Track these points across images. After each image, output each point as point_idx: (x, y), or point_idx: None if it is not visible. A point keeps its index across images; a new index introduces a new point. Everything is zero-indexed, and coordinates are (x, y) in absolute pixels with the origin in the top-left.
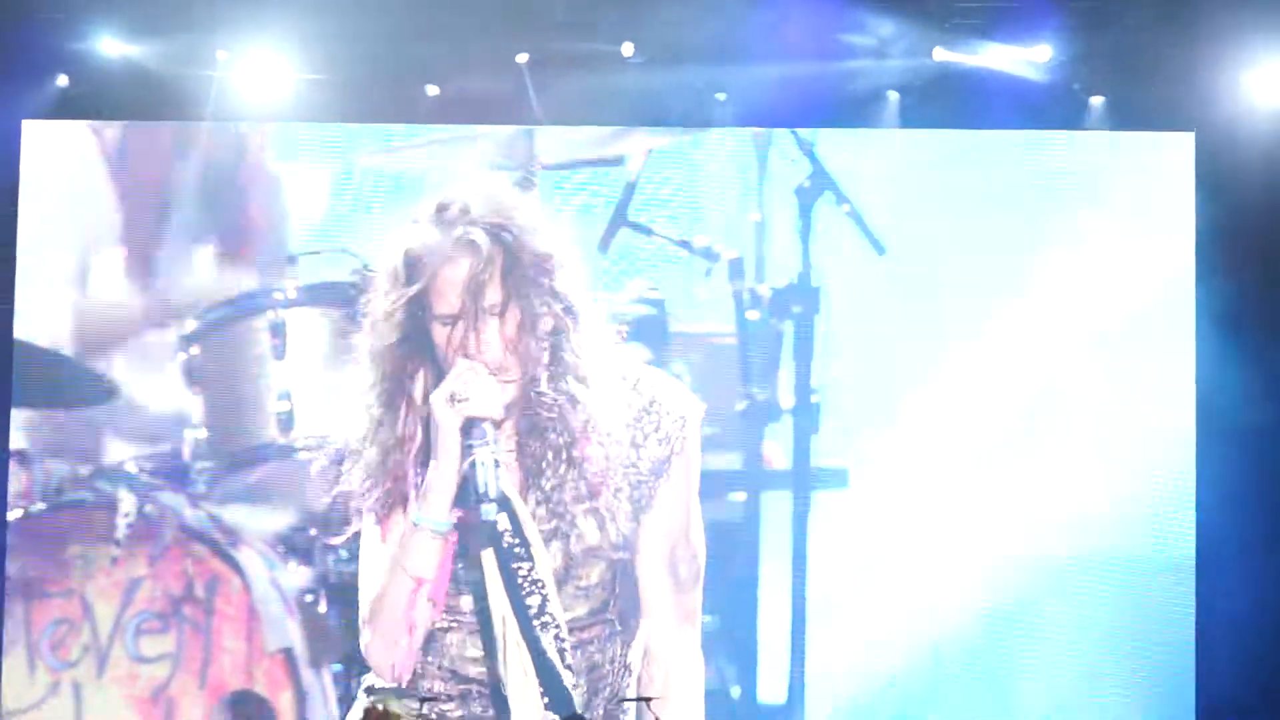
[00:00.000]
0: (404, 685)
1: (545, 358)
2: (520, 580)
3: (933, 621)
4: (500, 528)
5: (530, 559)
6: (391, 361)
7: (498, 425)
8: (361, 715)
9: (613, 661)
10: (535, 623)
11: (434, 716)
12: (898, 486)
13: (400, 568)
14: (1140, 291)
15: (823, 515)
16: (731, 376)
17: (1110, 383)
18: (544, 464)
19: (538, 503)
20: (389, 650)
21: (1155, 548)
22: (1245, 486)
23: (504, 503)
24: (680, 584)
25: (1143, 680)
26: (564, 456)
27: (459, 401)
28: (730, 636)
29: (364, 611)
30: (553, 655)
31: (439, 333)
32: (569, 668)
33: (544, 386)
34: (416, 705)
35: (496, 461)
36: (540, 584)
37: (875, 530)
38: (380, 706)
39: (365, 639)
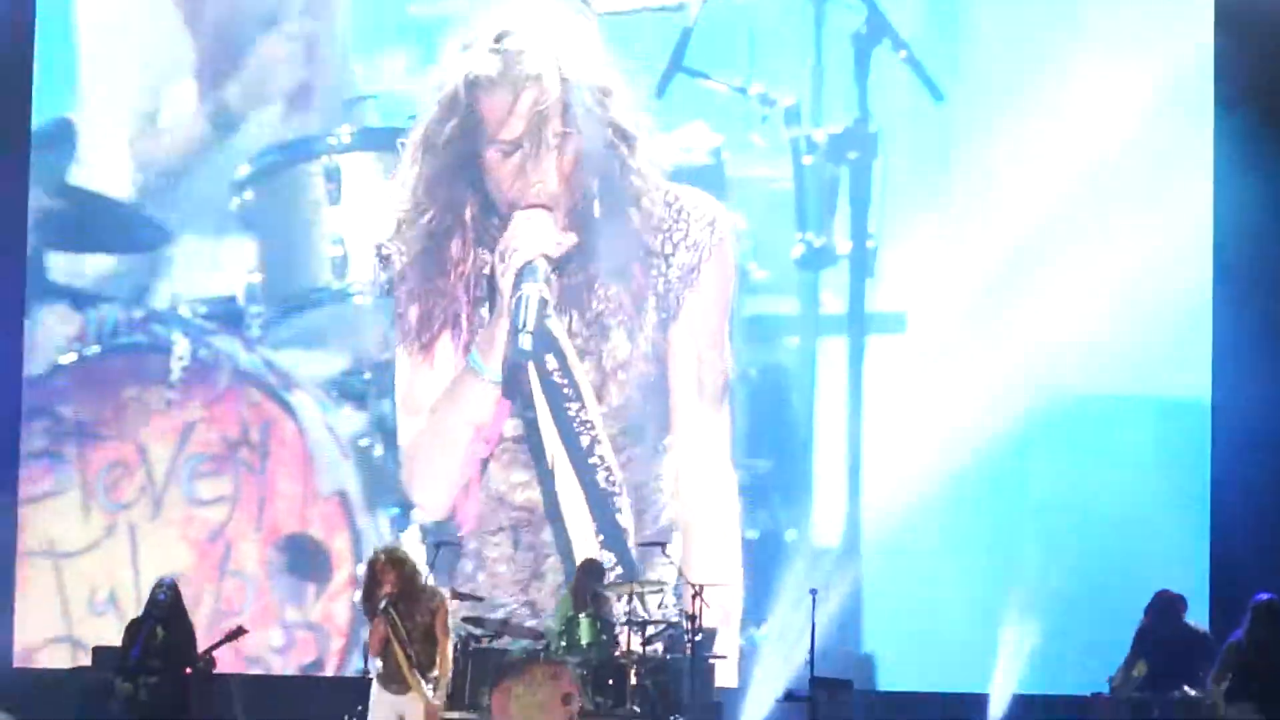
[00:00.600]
0: (461, 524)
1: (595, 186)
2: (570, 419)
3: (975, 454)
4: (549, 367)
5: (580, 399)
6: (445, 187)
7: (551, 261)
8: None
9: (656, 478)
10: (587, 461)
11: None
12: (953, 329)
13: (454, 411)
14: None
15: (878, 359)
16: (788, 222)
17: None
18: (594, 285)
19: (578, 328)
20: (441, 489)
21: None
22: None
23: (550, 341)
24: (705, 397)
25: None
26: (608, 279)
27: (510, 255)
28: (785, 481)
29: (406, 446)
30: (603, 489)
31: (493, 159)
32: (619, 509)
33: (596, 213)
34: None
35: (543, 300)
36: (590, 425)
37: (931, 373)
38: (384, 556)
39: (407, 475)
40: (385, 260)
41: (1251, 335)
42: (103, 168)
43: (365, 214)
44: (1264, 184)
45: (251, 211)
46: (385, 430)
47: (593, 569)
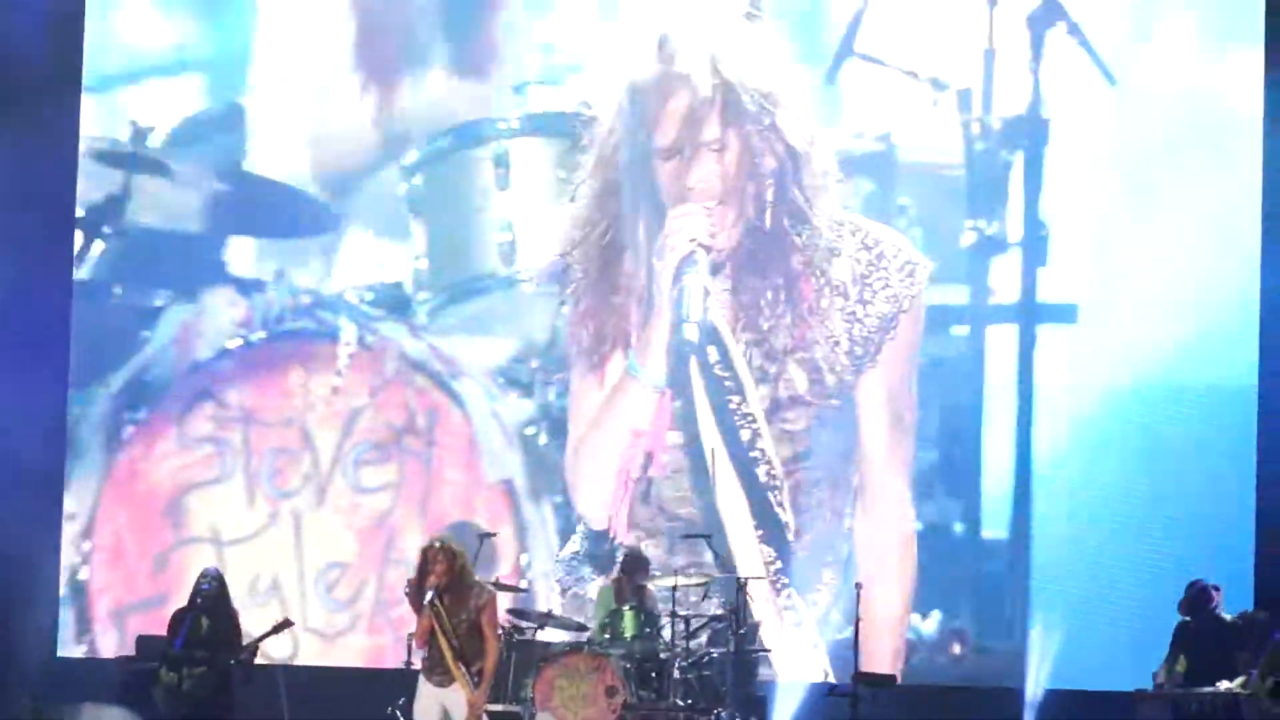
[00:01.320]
0: (615, 532)
1: (768, 195)
2: (731, 412)
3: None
4: (711, 359)
5: (741, 393)
6: (615, 199)
7: (711, 253)
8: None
9: (819, 505)
10: (748, 455)
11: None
12: (1127, 320)
13: (613, 418)
14: None
15: (1049, 349)
16: (958, 209)
17: None
18: (761, 302)
19: (751, 344)
20: (600, 497)
21: None
22: None
23: (713, 334)
24: (901, 431)
25: None
26: (781, 297)
27: (666, 251)
28: (952, 472)
29: (571, 460)
30: (764, 482)
31: (659, 167)
32: (780, 504)
33: (767, 223)
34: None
35: (706, 290)
36: (751, 418)
37: (1103, 365)
38: (438, 544)
39: (571, 487)
40: (565, 271)
41: None
42: (274, 153)
43: (534, 200)
44: None
45: (420, 197)
46: (551, 418)
47: (635, 561)
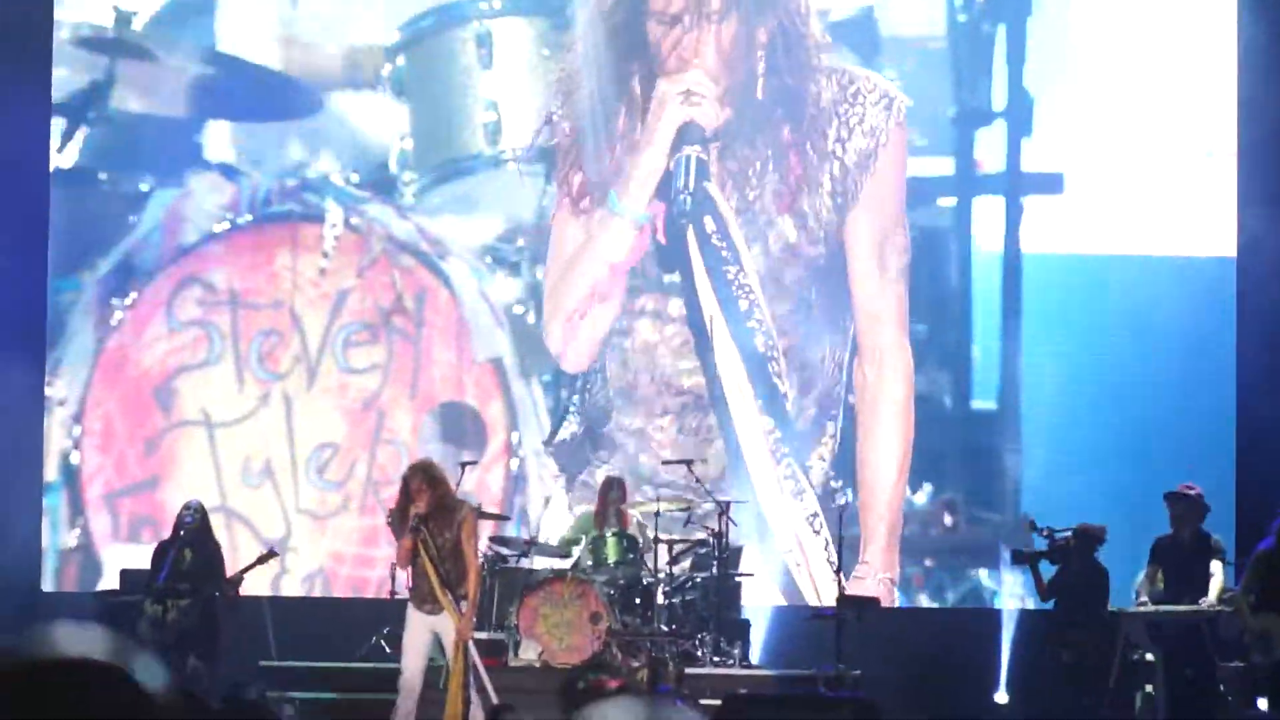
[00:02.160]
0: (581, 371)
1: (760, 67)
2: (729, 282)
3: (1132, 315)
4: (707, 229)
5: (738, 262)
6: (609, 59)
7: (708, 135)
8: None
9: (822, 361)
10: (746, 324)
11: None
12: (1112, 189)
13: (591, 253)
14: None
15: (1035, 219)
16: (943, 81)
17: None
18: (750, 172)
19: (739, 211)
20: (567, 337)
21: None
22: None
23: (708, 203)
24: (889, 276)
25: None
26: (770, 167)
27: (693, 100)
28: (941, 343)
29: (547, 301)
30: (762, 353)
31: (655, 32)
32: (778, 374)
33: (759, 94)
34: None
35: (701, 160)
36: (748, 288)
37: (1088, 234)
38: (420, 470)
39: (545, 326)
40: (552, 126)
41: None
42: (255, 36)
43: (519, 79)
44: None
45: (403, 78)
46: (538, 297)
47: (615, 486)
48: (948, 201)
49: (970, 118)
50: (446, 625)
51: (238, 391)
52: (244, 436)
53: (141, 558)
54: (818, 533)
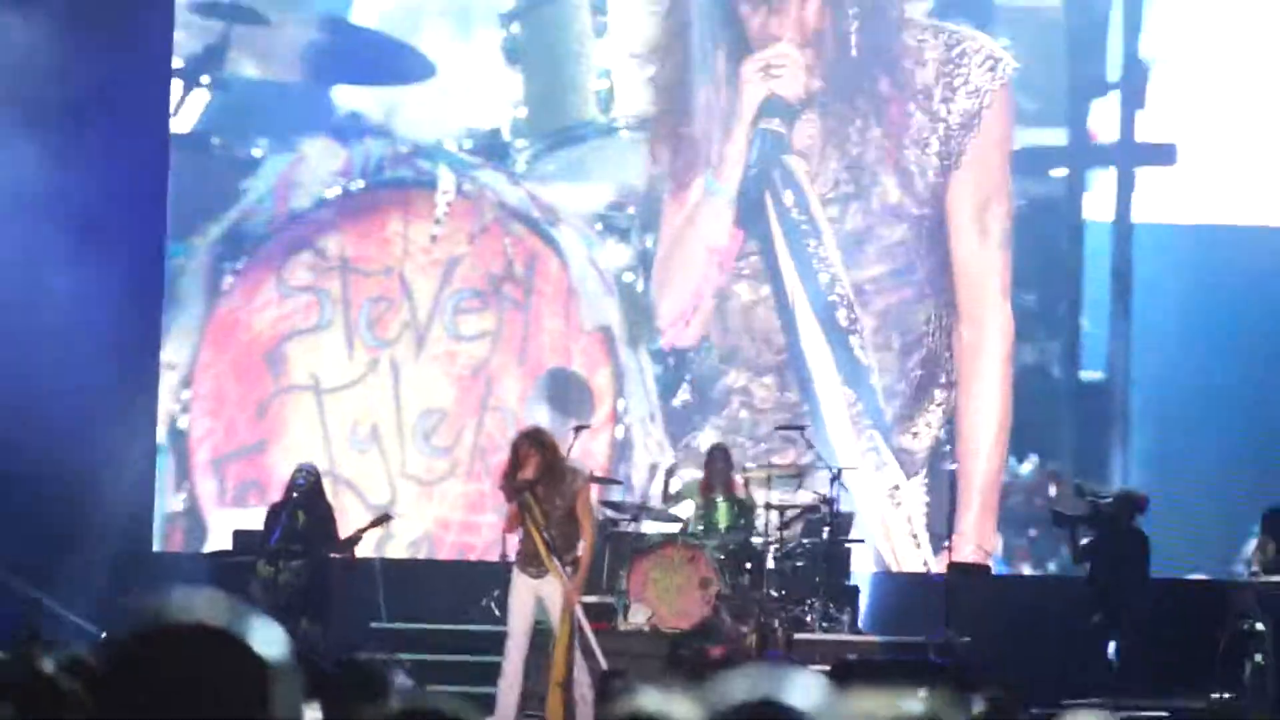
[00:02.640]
0: (694, 342)
1: (852, 30)
2: (809, 255)
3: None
4: (786, 203)
5: (818, 235)
6: (695, 32)
7: (793, 105)
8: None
9: (927, 322)
10: (827, 298)
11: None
12: (1226, 162)
13: (693, 235)
14: None
15: (1148, 191)
16: (1058, 50)
17: None
18: (849, 129)
19: (842, 168)
20: (682, 314)
21: None
22: None
23: (787, 176)
24: (990, 242)
25: None
26: (871, 121)
27: (773, 74)
28: (1052, 314)
29: (656, 275)
30: (844, 327)
31: (744, 9)
32: (862, 347)
33: (853, 52)
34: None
35: (774, 134)
36: (828, 261)
37: (1201, 205)
38: (529, 436)
39: (654, 301)
40: (656, 92)
41: None
42: (364, 1)
43: (632, 47)
44: None
45: (517, 44)
46: (648, 265)
47: (721, 453)
48: (1059, 172)
49: (1084, 86)
50: (551, 589)
51: (347, 357)
52: (352, 401)
53: (248, 522)
54: (899, 505)
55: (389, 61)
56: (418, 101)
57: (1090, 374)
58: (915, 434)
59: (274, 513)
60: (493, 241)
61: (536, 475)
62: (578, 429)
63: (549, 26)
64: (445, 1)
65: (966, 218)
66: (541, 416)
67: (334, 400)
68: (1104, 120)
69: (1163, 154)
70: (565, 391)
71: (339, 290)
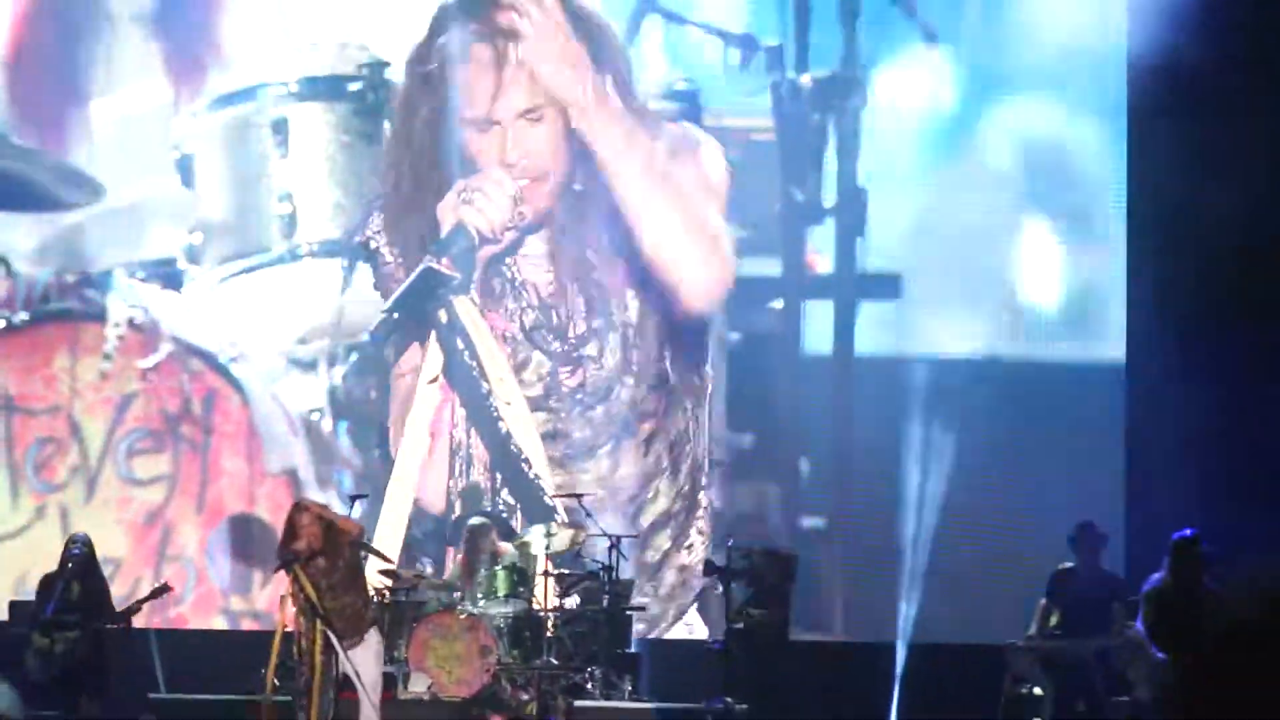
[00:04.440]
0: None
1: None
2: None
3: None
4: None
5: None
6: (423, 165)
7: (491, 238)
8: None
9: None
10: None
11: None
12: (949, 294)
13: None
14: None
15: (870, 325)
16: (770, 175)
17: None
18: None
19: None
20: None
21: None
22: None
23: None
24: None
25: None
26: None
27: (464, 201)
28: (770, 457)
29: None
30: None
31: (472, 140)
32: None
33: (578, 184)
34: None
35: (428, 270)
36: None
37: (927, 341)
38: (304, 506)
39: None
40: (372, 255)
41: None
42: (23, 116)
43: (316, 168)
44: None
45: (194, 165)
46: (336, 402)
47: (482, 533)
48: (776, 304)
49: (799, 214)
50: (359, 656)
51: (11, 503)
52: (19, 552)
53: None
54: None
55: (51, 183)
56: (87, 227)
57: (811, 520)
58: None
59: (48, 583)
60: (168, 378)
61: (316, 546)
62: (354, 499)
63: (227, 147)
64: (112, 121)
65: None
66: (223, 568)
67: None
68: (822, 249)
69: (886, 286)
70: (248, 539)
71: (3, 431)
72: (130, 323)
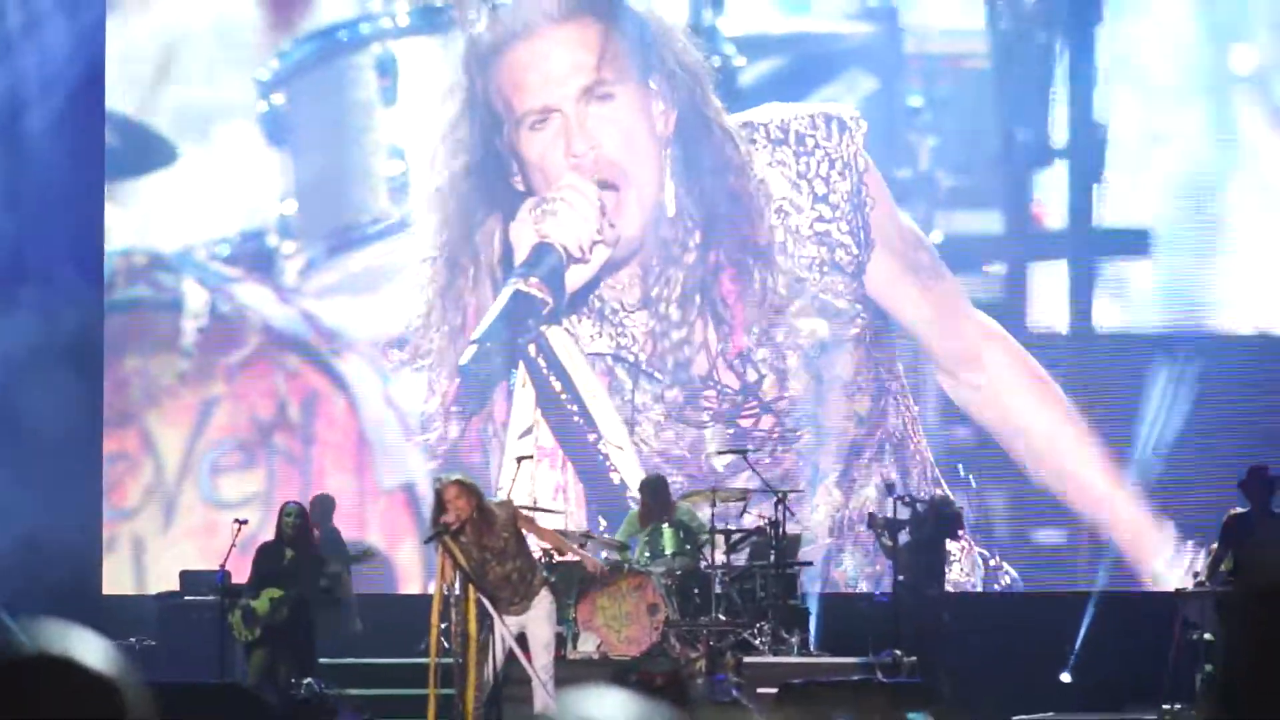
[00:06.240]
0: None
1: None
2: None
3: None
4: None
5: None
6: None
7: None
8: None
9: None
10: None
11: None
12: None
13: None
14: None
15: (1113, 291)
16: (986, 110)
17: None
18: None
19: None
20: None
21: None
22: None
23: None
24: (933, 281)
25: None
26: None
27: (545, 213)
28: None
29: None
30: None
31: (525, 140)
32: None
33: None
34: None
35: (520, 294)
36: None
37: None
38: (451, 482)
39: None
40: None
41: None
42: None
43: (429, 117)
44: None
45: (283, 120)
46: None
47: (649, 487)
48: (996, 268)
49: (1022, 156)
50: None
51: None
52: None
53: None
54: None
55: (121, 144)
56: (156, 197)
57: None
58: None
59: (264, 550)
60: (260, 378)
61: (464, 520)
62: (520, 459)
63: (322, 95)
64: (188, 67)
65: (896, 273)
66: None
67: None
68: (1050, 198)
69: (1132, 242)
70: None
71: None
72: (212, 312)
